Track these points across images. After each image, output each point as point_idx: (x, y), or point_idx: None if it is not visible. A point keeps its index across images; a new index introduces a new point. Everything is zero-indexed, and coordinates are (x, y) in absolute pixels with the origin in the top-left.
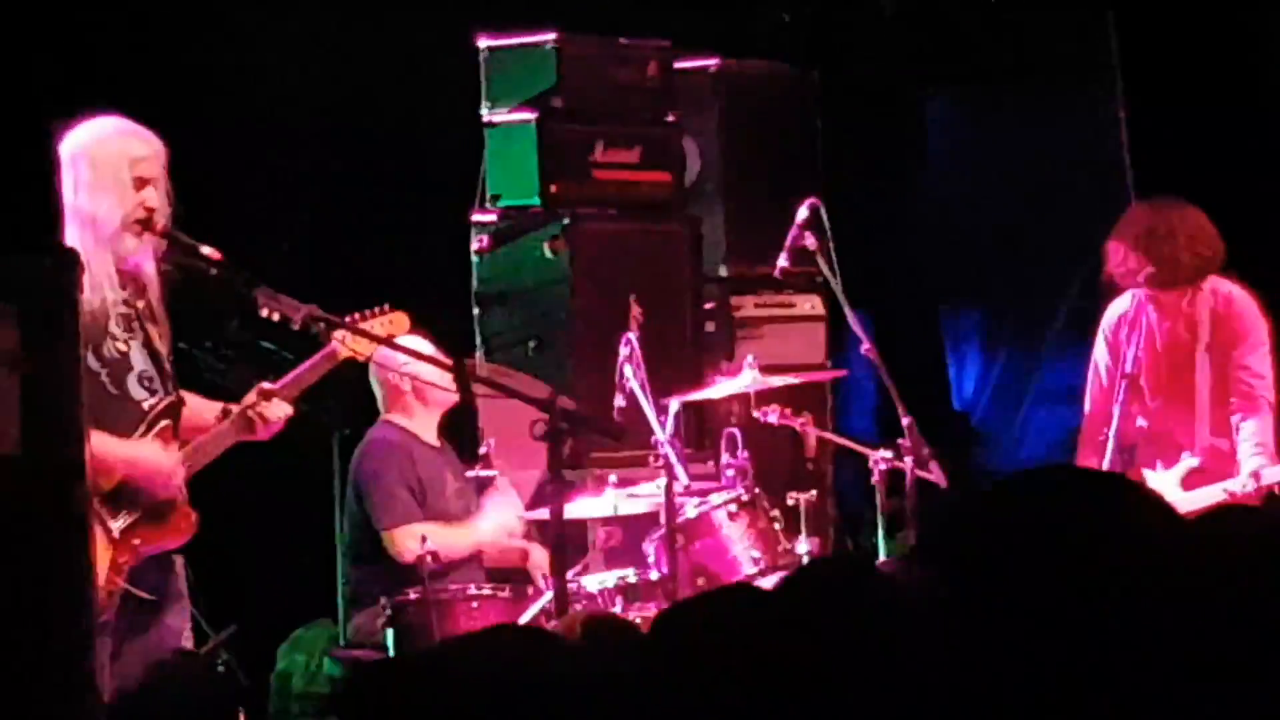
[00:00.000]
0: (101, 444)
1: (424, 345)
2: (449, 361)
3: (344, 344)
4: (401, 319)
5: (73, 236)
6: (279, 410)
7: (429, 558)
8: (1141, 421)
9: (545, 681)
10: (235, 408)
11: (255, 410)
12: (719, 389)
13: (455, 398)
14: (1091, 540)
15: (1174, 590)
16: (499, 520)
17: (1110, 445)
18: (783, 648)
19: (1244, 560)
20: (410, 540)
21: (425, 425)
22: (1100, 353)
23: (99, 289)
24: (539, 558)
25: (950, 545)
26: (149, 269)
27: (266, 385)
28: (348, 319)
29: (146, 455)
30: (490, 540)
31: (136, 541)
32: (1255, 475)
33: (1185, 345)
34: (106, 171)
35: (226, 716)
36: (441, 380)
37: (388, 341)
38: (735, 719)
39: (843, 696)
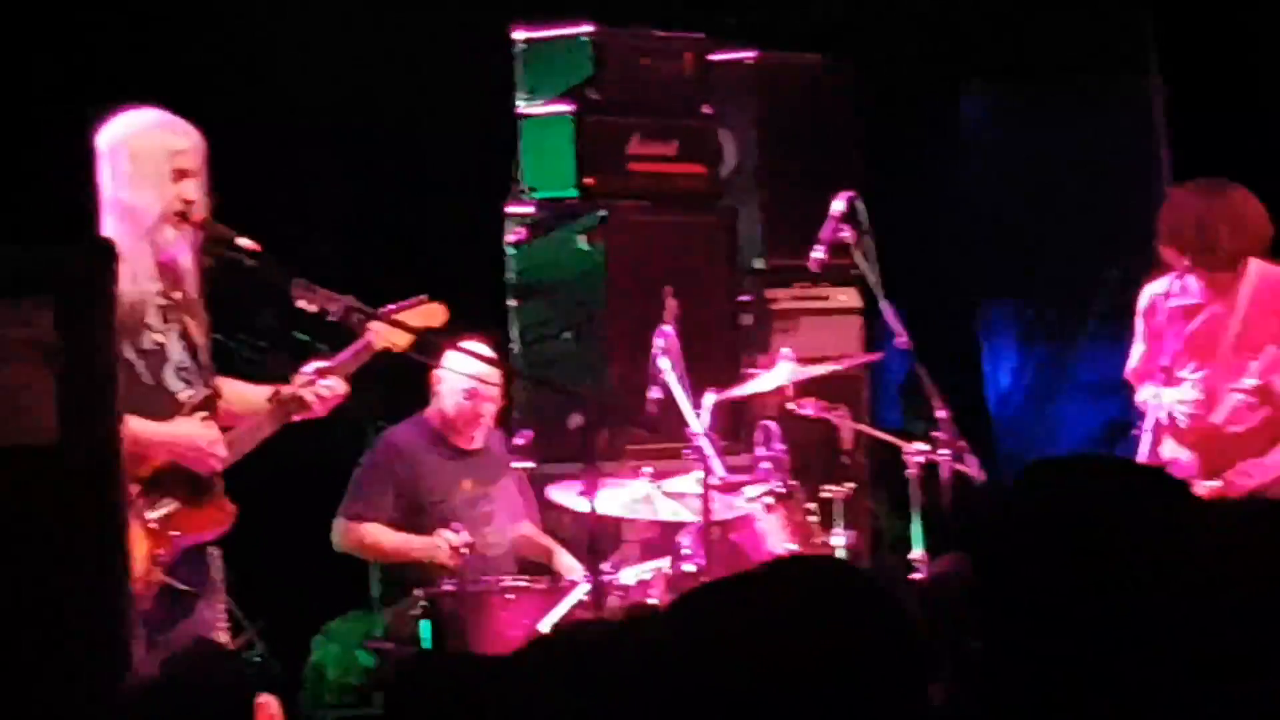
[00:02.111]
0: (140, 426)
1: (482, 351)
2: (493, 395)
3: (380, 335)
4: (438, 310)
5: (111, 228)
6: (337, 386)
7: (464, 549)
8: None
9: (588, 677)
10: (287, 389)
11: (313, 389)
12: (756, 383)
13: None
14: (1116, 529)
15: (1198, 580)
16: (432, 542)
17: (1148, 437)
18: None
19: (1270, 550)
20: (339, 534)
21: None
22: (1140, 333)
23: (137, 281)
24: (564, 561)
25: (976, 534)
26: (186, 261)
27: (323, 364)
28: (390, 308)
29: (185, 432)
30: (418, 557)
31: (174, 533)
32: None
33: (1224, 326)
34: (146, 163)
35: (242, 703)
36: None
37: (465, 349)
38: (753, 708)
39: (862, 685)
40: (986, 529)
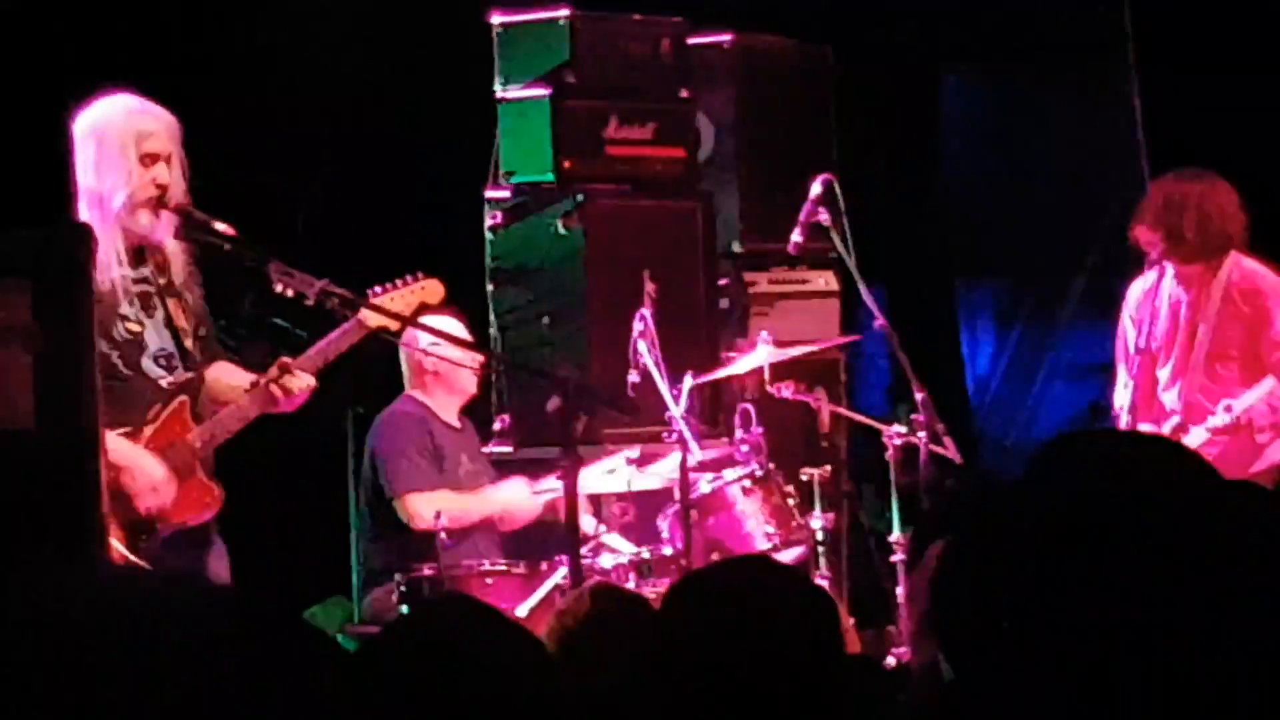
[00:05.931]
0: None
1: (455, 327)
2: (476, 355)
3: (376, 312)
4: (435, 287)
5: (84, 215)
6: (302, 382)
7: (443, 533)
8: (1164, 395)
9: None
10: (262, 379)
11: (279, 383)
12: (734, 366)
13: (474, 389)
14: (1133, 502)
15: (1219, 555)
16: (513, 493)
17: (1125, 421)
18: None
19: None
20: (424, 506)
21: (445, 405)
22: (1124, 330)
23: (107, 269)
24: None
25: (986, 513)
26: (171, 244)
27: (287, 359)
28: (385, 286)
29: (137, 461)
30: (500, 511)
31: (155, 520)
32: (1227, 408)
33: (1196, 324)
34: (113, 149)
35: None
36: (466, 364)
37: (416, 323)
38: (742, 693)
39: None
40: (996, 513)
